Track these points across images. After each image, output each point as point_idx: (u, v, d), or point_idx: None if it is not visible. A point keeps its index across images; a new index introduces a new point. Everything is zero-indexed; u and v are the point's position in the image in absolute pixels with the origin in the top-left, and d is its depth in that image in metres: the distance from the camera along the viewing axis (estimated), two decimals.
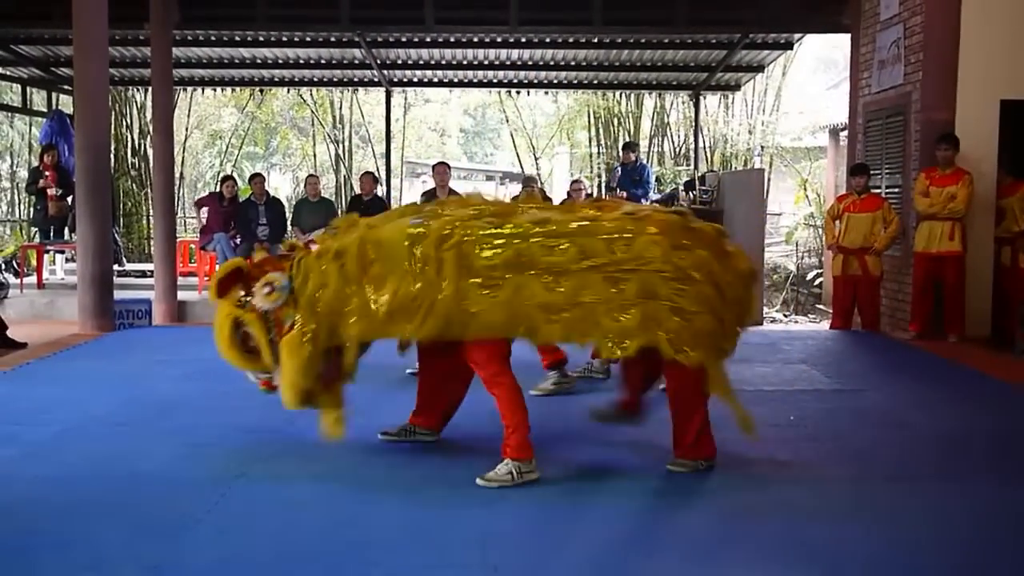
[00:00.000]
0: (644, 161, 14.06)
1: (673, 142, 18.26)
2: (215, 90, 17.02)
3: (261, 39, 13.04)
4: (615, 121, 18.11)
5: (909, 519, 3.78)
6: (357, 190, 12.18)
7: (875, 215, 8.75)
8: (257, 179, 11.93)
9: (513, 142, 21.44)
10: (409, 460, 4.44)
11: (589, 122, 18.72)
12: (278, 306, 4.18)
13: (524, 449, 4.12)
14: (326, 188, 18.92)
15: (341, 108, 19.90)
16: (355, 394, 5.73)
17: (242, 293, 4.25)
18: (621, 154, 13.51)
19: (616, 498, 3.94)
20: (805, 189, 17.96)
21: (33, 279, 12.13)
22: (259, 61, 14.22)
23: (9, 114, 18.40)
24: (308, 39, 13.05)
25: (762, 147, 18.32)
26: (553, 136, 21.43)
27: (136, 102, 17.09)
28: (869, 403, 5.82)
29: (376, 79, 14.83)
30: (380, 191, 13.02)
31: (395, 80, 15.27)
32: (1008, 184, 8.63)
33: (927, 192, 8.35)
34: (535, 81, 15.31)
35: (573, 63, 14.32)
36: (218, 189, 12.59)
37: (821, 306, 13.83)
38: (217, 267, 11.35)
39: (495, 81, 15.48)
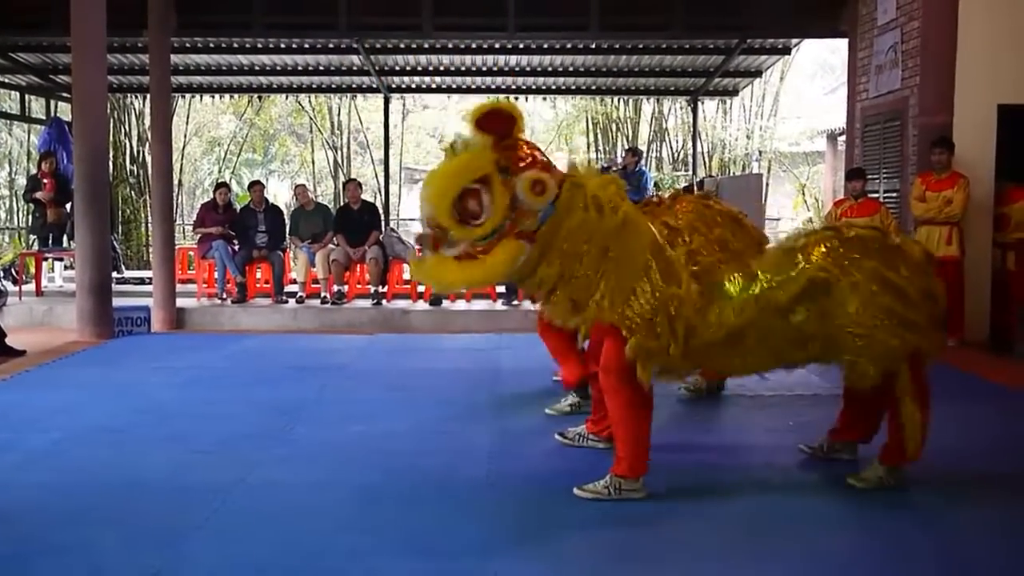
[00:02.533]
0: (643, 167, 14.05)
1: (671, 147, 18.29)
2: (213, 97, 17.05)
3: (259, 46, 13.05)
4: (613, 127, 18.15)
5: (909, 525, 3.78)
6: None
7: (872, 219, 8.74)
8: (256, 186, 11.91)
9: None
10: (409, 466, 4.43)
11: (587, 128, 18.75)
12: (528, 211, 3.69)
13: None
14: (324, 195, 18.98)
15: (339, 114, 19.94)
16: (356, 401, 5.74)
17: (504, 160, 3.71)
18: (624, 156, 13.52)
19: (617, 505, 3.94)
20: (803, 194, 18.00)
21: (32, 287, 12.12)
22: (257, 68, 14.23)
23: (8, 121, 18.40)
24: (306, 46, 13.06)
25: (760, 152, 18.35)
26: (551, 142, 21.44)
27: (134, 109, 17.09)
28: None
29: (374, 85, 14.84)
30: (377, 198, 13.03)
31: (393, 86, 15.28)
32: (1012, 190, 8.60)
33: (923, 197, 8.36)
34: (533, 87, 15.32)
35: (571, 69, 14.33)
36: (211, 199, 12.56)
37: None
38: (216, 275, 11.36)
39: (494, 87, 15.48)
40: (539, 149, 3.89)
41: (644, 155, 13.42)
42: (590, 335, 4.32)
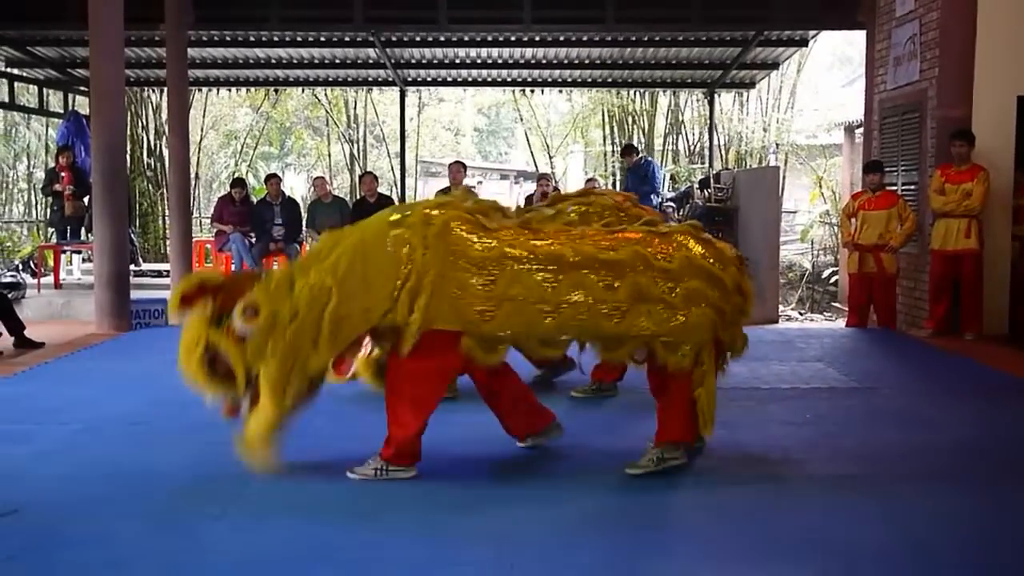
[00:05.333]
0: (649, 158, 14.00)
1: (688, 140, 18.23)
2: (230, 90, 17.10)
3: (275, 39, 13.08)
4: (629, 119, 18.09)
5: (924, 519, 3.75)
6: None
7: (890, 212, 8.71)
8: (273, 180, 11.95)
9: (527, 141, 21.44)
10: (425, 456, 4.43)
11: (603, 120, 18.71)
12: (257, 335, 3.89)
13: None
14: (340, 188, 18.99)
15: (355, 108, 19.96)
16: (372, 391, 5.73)
17: (216, 310, 3.93)
18: (622, 159, 13.55)
19: (631, 496, 3.94)
20: (820, 187, 17.90)
21: (50, 279, 12.19)
22: (273, 61, 14.27)
23: (26, 115, 18.51)
24: (322, 39, 13.09)
25: (777, 144, 18.26)
26: (567, 135, 21.41)
27: (152, 103, 17.16)
28: (885, 401, 5.79)
29: (390, 78, 14.86)
30: (394, 191, 13.05)
31: (409, 79, 15.29)
32: None
33: (942, 189, 8.31)
34: (549, 80, 15.31)
35: (587, 61, 14.31)
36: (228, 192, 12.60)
37: (837, 304, 13.77)
38: (232, 267, 11.40)
39: (509, 80, 15.49)
40: (235, 283, 4.07)
41: (636, 149, 13.32)
42: None
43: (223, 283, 4.06)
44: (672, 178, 16.14)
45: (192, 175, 15.00)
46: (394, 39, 13.02)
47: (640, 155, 13.25)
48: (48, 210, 13.82)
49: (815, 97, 20.63)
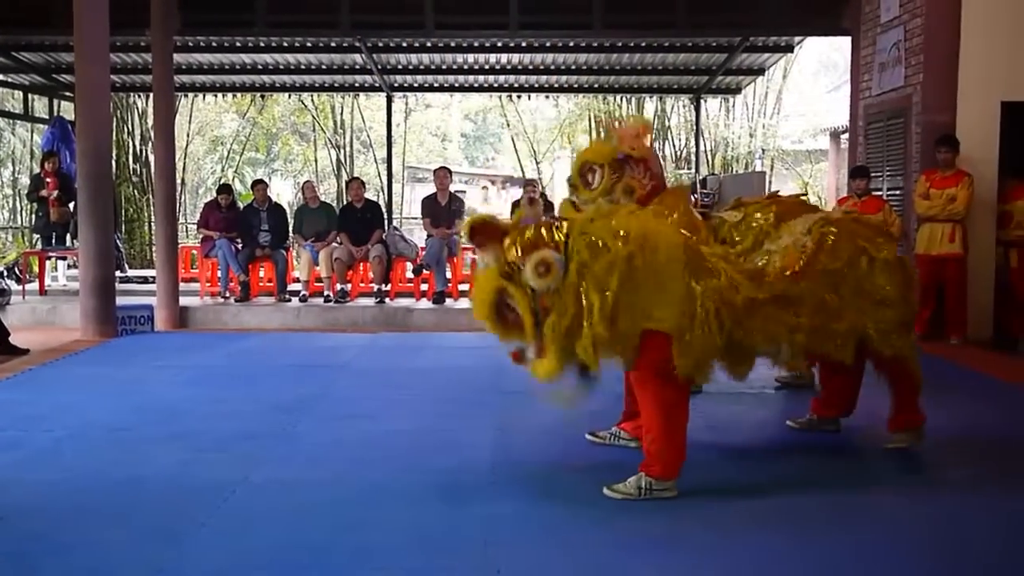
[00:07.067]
0: None
1: (674, 146, 18.27)
2: (216, 96, 17.05)
3: (262, 44, 13.05)
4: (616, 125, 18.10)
5: (912, 523, 3.77)
6: None
7: (876, 217, 8.74)
8: (259, 185, 11.93)
9: (514, 146, 21.47)
10: (412, 464, 4.44)
11: (590, 126, 18.73)
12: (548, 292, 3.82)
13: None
14: (327, 194, 18.97)
15: (342, 113, 19.94)
16: (359, 399, 5.75)
17: (511, 258, 3.86)
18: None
19: (621, 502, 3.94)
20: (806, 192, 17.96)
21: (35, 285, 12.14)
22: (260, 67, 14.23)
23: (11, 121, 18.42)
24: (309, 44, 13.07)
25: (763, 150, 18.34)
26: (554, 140, 21.44)
27: (137, 108, 17.11)
28: (872, 405, 5.79)
29: (377, 84, 14.84)
30: (380, 197, 13.04)
31: (396, 85, 15.27)
32: (1014, 187, 8.61)
33: (927, 194, 8.35)
34: (536, 85, 15.31)
35: (574, 67, 14.32)
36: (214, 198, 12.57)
37: None
38: (219, 273, 11.37)
39: (496, 85, 15.49)
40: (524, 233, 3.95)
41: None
42: None
43: (519, 231, 3.94)
44: None
45: (178, 181, 14.97)
46: (381, 45, 13.01)
47: None
48: (33, 216, 13.76)
49: (801, 103, 20.73)
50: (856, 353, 4.44)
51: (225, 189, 12.17)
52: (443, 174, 11.69)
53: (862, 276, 4.32)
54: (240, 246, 11.42)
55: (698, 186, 13.04)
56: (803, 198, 5.49)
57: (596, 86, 15.46)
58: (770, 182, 16.32)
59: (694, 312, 3.89)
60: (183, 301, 10.94)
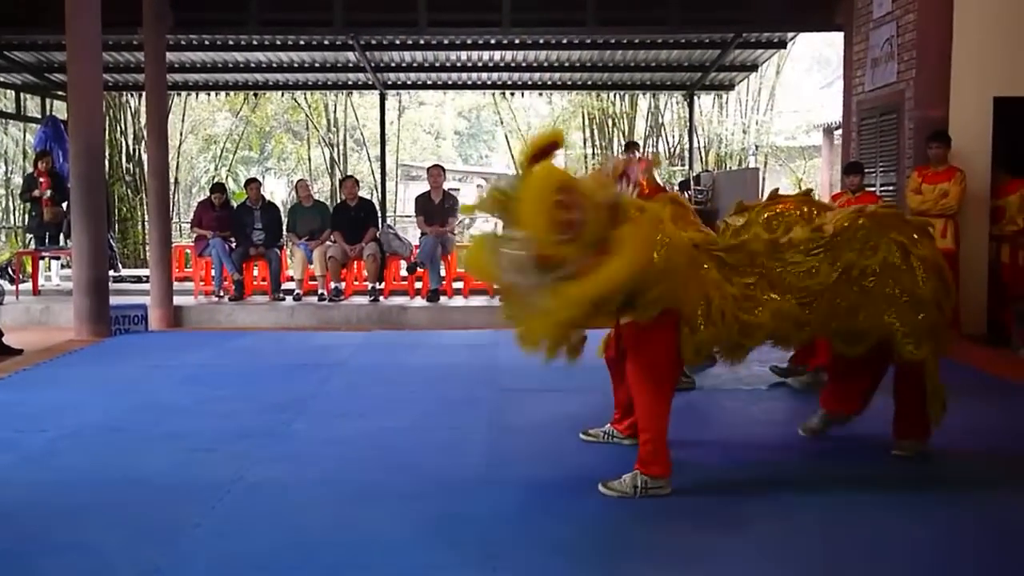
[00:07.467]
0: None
1: (668, 142, 18.30)
2: (209, 95, 17.02)
3: (255, 43, 13.04)
4: (610, 122, 18.15)
5: (910, 522, 3.77)
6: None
7: None
8: (253, 184, 11.92)
9: (508, 144, 21.46)
10: (408, 463, 4.44)
11: (583, 123, 18.75)
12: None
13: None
14: (321, 192, 18.98)
15: (335, 111, 19.93)
16: (354, 398, 5.75)
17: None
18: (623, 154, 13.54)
19: (615, 500, 3.94)
20: (800, 188, 17.98)
21: (28, 285, 12.12)
22: (253, 65, 14.22)
23: (3, 120, 18.37)
24: (302, 42, 13.05)
25: (756, 146, 18.37)
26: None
27: (130, 107, 17.08)
28: (872, 405, 5.80)
29: (370, 82, 14.83)
30: (374, 195, 13.05)
31: (389, 83, 15.27)
32: (1007, 183, 8.63)
33: (919, 189, 8.37)
34: (529, 83, 15.32)
35: (567, 64, 14.33)
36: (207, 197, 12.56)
37: None
38: (213, 272, 11.35)
39: (489, 83, 15.49)
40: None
41: (638, 147, 13.38)
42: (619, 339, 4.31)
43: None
44: None
45: (171, 180, 14.94)
46: (374, 43, 13.00)
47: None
48: (26, 216, 13.73)
49: (794, 99, 20.77)
50: (879, 353, 4.32)
51: (219, 188, 12.15)
52: (437, 172, 11.69)
53: (894, 274, 4.13)
54: (234, 245, 11.41)
55: (692, 182, 13.08)
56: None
57: (589, 83, 15.47)
58: (764, 178, 16.36)
59: (710, 300, 3.94)
60: (177, 300, 10.92)
